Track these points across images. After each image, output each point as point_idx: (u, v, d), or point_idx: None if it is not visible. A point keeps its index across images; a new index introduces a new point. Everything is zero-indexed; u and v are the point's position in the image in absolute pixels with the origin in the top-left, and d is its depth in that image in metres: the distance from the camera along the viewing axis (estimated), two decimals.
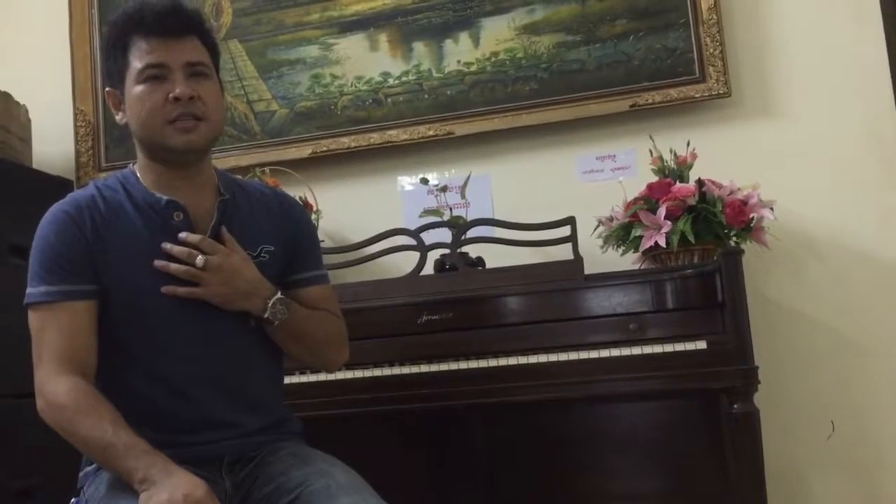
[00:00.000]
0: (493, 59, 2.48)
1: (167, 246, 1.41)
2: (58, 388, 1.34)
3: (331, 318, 1.60)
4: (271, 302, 1.46)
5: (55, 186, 2.51)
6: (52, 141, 2.68)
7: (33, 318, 1.40)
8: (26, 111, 2.58)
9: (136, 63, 1.42)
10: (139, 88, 1.42)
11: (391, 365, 1.95)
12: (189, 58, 1.44)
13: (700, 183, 2.09)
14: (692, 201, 2.06)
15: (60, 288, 1.39)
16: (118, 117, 1.49)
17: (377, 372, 1.94)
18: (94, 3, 2.76)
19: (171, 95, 1.40)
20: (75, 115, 2.71)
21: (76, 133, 2.71)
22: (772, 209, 2.09)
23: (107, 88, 1.51)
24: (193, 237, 1.42)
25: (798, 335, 2.27)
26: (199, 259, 1.40)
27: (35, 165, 2.57)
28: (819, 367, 2.26)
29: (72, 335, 1.37)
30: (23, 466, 2.15)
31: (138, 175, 1.48)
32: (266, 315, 1.46)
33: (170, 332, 1.43)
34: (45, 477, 2.15)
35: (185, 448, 1.37)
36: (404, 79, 2.54)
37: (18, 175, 2.42)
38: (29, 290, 1.40)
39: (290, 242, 1.56)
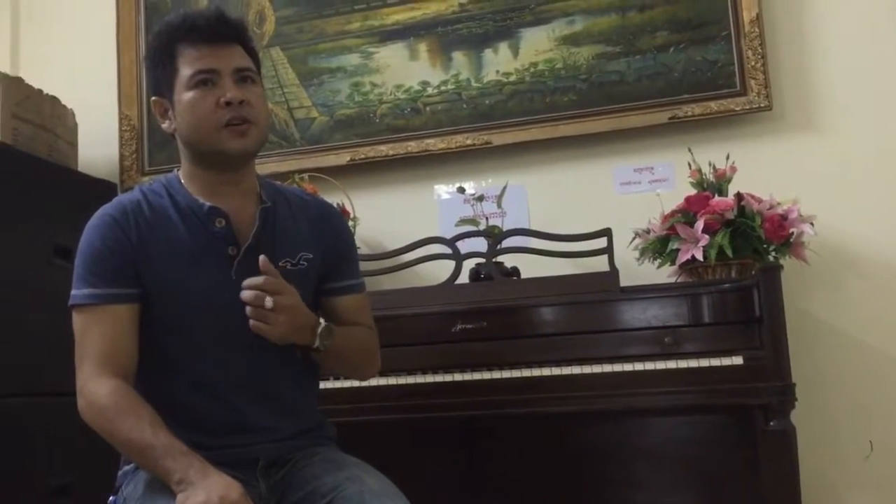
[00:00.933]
0: (532, 69, 2.48)
1: (243, 294, 1.41)
2: (99, 389, 1.36)
3: (367, 334, 1.61)
4: (319, 331, 1.47)
5: (99, 189, 2.56)
6: (98, 145, 2.73)
7: (77, 319, 1.43)
8: (73, 116, 2.64)
9: (186, 70, 1.44)
10: (190, 94, 1.44)
11: (424, 373, 1.96)
12: (237, 63, 1.46)
13: (739, 197, 2.07)
14: (731, 215, 2.05)
15: (104, 291, 1.41)
16: (165, 125, 1.50)
17: (410, 379, 1.95)
18: (141, 11, 2.82)
19: (222, 100, 1.42)
20: (120, 119, 2.77)
21: (121, 137, 2.77)
22: (812, 224, 2.07)
23: (153, 97, 1.52)
24: (257, 280, 1.41)
25: (837, 352, 2.23)
26: (269, 301, 1.41)
27: (81, 168, 2.62)
28: (858, 385, 2.22)
29: (114, 338, 1.40)
30: (61, 464, 2.20)
31: (182, 180, 1.51)
32: (316, 345, 1.47)
33: (208, 337, 1.45)
34: (83, 475, 2.19)
35: (221, 450, 1.39)
36: (443, 88, 2.55)
37: (65, 178, 2.48)
38: (74, 291, 1.43)
39: (328, 250, 1.57)
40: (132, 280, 1.42)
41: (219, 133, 1.43)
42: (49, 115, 2.50)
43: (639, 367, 1.85)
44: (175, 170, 1.54)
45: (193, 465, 1.28)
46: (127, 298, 1.42)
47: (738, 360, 1.80)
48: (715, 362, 1.81)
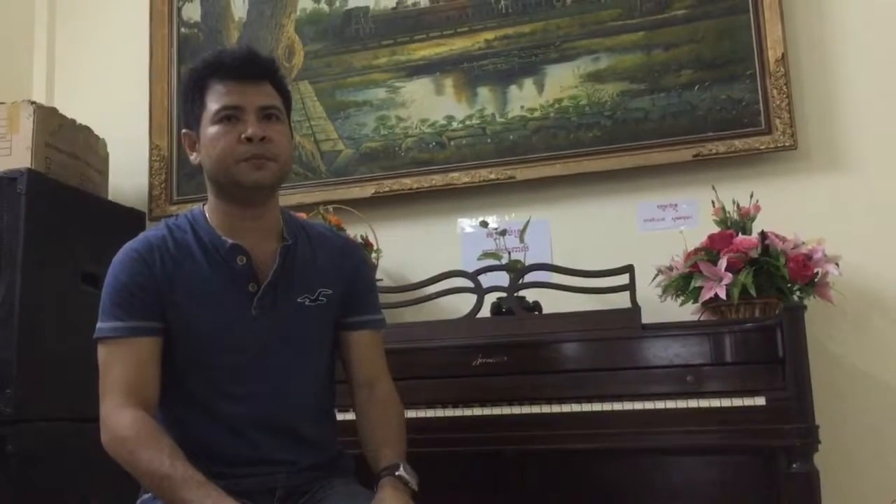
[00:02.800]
0: (557, 105, 2.50)
1: None
2: (121, 420, 1.38)
3: (400, 414, 1.59)
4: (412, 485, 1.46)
5: (128, 218, 2.60)
6: (128, 174, 2.78)
7: (102, 351, 1.45)
8: (105, 145, 2.69)
9: (213, 105, 1.48)
10: (214, 129, 1.47)
11: (444, 406, 1.95)
12: (262, 101, 1.49)
13: (763, 235, 2.06)
14: (754, 254, 2.04)
15: (128, 324, 1.44)
16: (192, 157, 1.54)
17: (430, 413, 1.94)
18: (174, 43, 2.88)
19: (243, 136, 1.46)
20: (151, 149, 2.82)
21: (150, 167, 2.81)
22: (837, 265, 2.05)
23: (183, 130, 1.57)
24: None
25: (862, 394, 2.20)
26: None
27: (111, 197, 2.67)
28: (883, 427, 2.18)
29: (137, 369, 1.42)
30: (82, 490, 2.21)
31: (207, 216, 1.54)
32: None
33: (228, 372, 1.47)
34: (103, 501, 2.20)
35: (238, 479, 1.40)
36: (468, 123, 2.57)
37: (95, 206, 2.52)
38: (99, 324, 1.46)
39: (348, 286, 1.59)
40: (156, 314, 1.45)
41: (237, 166, 1.46)
42: (82, 145, 2.55)
43: (660, 405, 1.83)
44: (201, 204, 1.57)
45: (210, 495, 1.29)
46: (150, 332, 1.44)
47: (760, 401, 1.78)
48: (737, 402, 1.79)
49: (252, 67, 1.51)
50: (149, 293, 1.45)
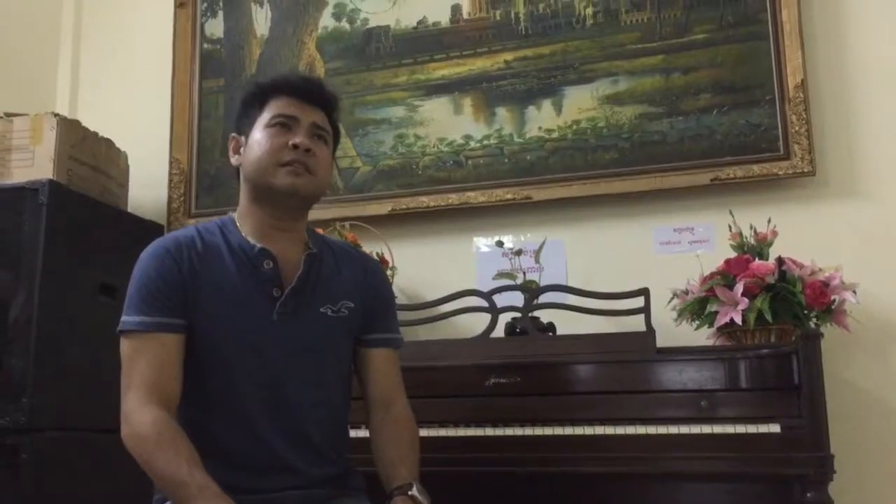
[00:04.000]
0: (575, 126, 2.51)
1: None
2: (143, 418, 1.38)
3: (413, 430, 1.61)
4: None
5: (147, 230, 2.62)
6: (147, 186, 2.81)
7: (126, 345, 1.46)
8: (126, 158, 2.72)
9: (270, 112, 1.55)
10: (265, 132, 1.53)
11: (456, 426, 1.95)
12: (316, 120, 1.56)
13: (780, 261, 2.05)
14: (771, 279, 2.03)
15: (154, 319, 1.45)
16: (233, 160, 1.60)
17: (442, 432, 1.94)
18: (196, 59, 2.91)
19: (290, 142, 1.51)
20: (171, 163, 2.85)
21: (170, 180, 2.84)
22: (854, 292, 2.04)
23: (232, 134, 1.62)
24: None
25: (879, 424, 2.18)
26: None
27: (130, 209, 2.70)
28: None
29: (161, 366, 1.43)
30: (96, 500, 2.21)
31: (237, 222, 1.57)
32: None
33: (246, 374, 1.48)
34: None
35: (253, 494, 1.41)
36: (486, 142, 2.59)
37: (114, 218, 2.55)
38: (124, 318, 1.47)
39: (369, 302, 1.61)
40: (181, 311, 1.47)
41: (276, 169, 1.51)
42: (103, 157, 2.58)
43: (673, 430, 1.82)
44: (230, 213, 1.60)
45: None
46: (175, 328, 1.46)
47: (775, 428, 1.77)
48: (752, 429, 1.78)
49: (316, 91, 1.59)
50: (175, 290, 1.47)
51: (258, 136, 1.53)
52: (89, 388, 2.22)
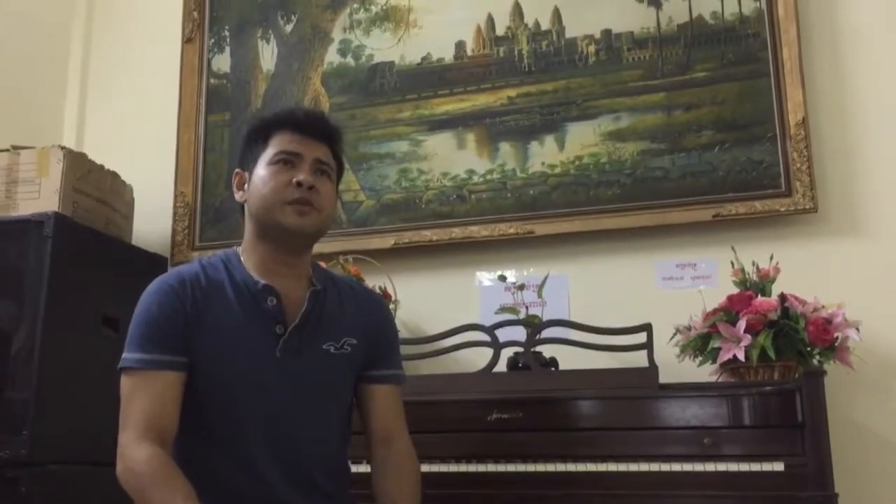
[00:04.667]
0: (577, 162, 2.52)
1: None
2: (138, 454, 1.39)
3: (416, 474, 1.61)
4: None
5: (151, 262, 2.63)
6: (152, 219, 2.82)
7: (125, 382, 1.46)
8: (131, 190, 2.74)
9: (273, 148, 1.56)
10: (269, 168, 1.54)
11: (458, 461, 1.94)
12: (320, 155, 1.57)
13: (783, 298, 2.05)
14: (774, 316, 2.03)
15: (155, 356, 1.45)
16: (238, 195, 1.61)
17: (444, 467, 1.93)
18: (203, 93, 2.94)
19: (294, 180, 1.52)
20: (175, 196, 2.86)
21: (175, 213, 2.85)
22: (857, 330, 2.04)
23: (236, 170, 1.64)
24: None
25: (883, 463, 2.16)
26: None
27: (134, 242, 2.70)
28: None
29: (159, 404, 1.43)
30: None
31: (241, 257, 1.57)
32: None
33: (248, 411, 1.48)
34: None
35: None
36: (489, 177, 2.60)
37: (118, 250, 2.56)
38: (125, 354, 1.47)
39: (372, 339, 1.62)
40: (182, 348, 1.47)
41: (282, 208, 1.51)
42: (109, 189, 2.60)
43: (676, 467, 1.81)
44: (235, 247, 1.61)
45: None
46: (176, 366, 1.46)
47: (778, 467, 1.76)
48: (755, 467, 1.77)
49: (319, 126, 1.60)
50: (177, 327, 1.47)
51: (262, 173, 1.54)
52: (91, 422, 2.21)
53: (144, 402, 1.42)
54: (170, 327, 1.47)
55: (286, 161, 1.54)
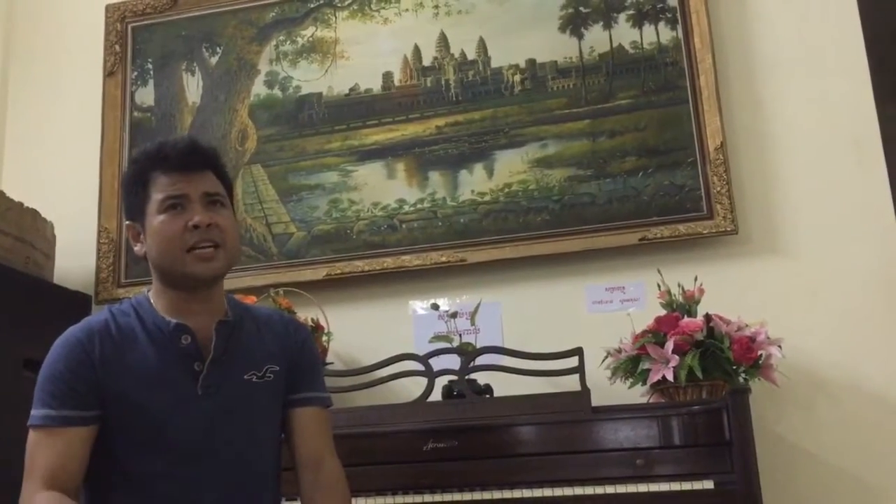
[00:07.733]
0: (507, 189, 2.55)
1: None
2: (38, 500, 1.36)
3: (347, 498, 1.58)
4: None
5: (74, 301, 2.56)
6: (75, 256, 2.74)
7: (31, 438, 1.44)
8: (52, 228, 2.66)
9: (157, 195, 1.49)
10: (160, 218, 1.48)
11: (395, 493, 1.93)
12: (207, 188, 1.51)
13: (708, 318, 2.11)
14: (700, 336, 2.07)
15: (61, 413, 1.42)
16: (136, 248, 1.55)
17: (380, 500, 1.92)
18: (126, 127, 2.88)
19: (189, 223, 1.47)
20: (99, 232, 2.79)
21: (99, 249, 2.78)
22: (780, 347, 2.10)
23: (126, 222, 1.57)
24: None
25: (808, 476, 2.22)
26: None
27: (56, 280, 2.62)
28: None
29: (63, 459, 1.41)
30: None
31: (152, 300, 1.53)
32: None
33: (175, 454, 1.44)
34: None
35: None
36: (419, 206, 2.61)
37: (39, 290, 2.48)
38: (33, 411, 1.44)
39: (293, 363, 1.60)
40: (91, 403, 1.44)
41: (184, 257, 1.46)
42: (28, 228, 2.52)
43: (610, 490, 1.84)
44: (145, 290, 1.57)
45: None
46: (82, 421, 1.43)
47: (709, 485, 1.80)
48: (686, 486, 1.81)
49: (195, 158, 1.52)
50: (85, 382, 1.44)
51: (155, 224, 1.48)
52: (13, 466, 2.12)
53: (48, 458, 1.40)
54: (77, 383, 1.43)
55: (174, 206, 1.48)
